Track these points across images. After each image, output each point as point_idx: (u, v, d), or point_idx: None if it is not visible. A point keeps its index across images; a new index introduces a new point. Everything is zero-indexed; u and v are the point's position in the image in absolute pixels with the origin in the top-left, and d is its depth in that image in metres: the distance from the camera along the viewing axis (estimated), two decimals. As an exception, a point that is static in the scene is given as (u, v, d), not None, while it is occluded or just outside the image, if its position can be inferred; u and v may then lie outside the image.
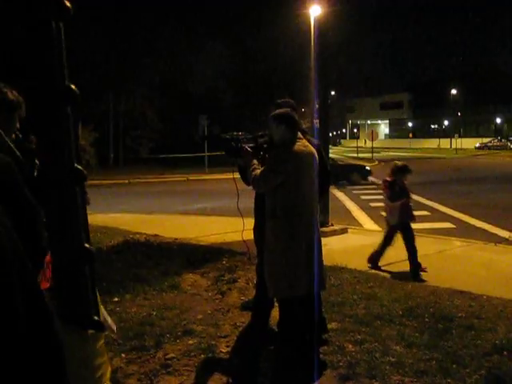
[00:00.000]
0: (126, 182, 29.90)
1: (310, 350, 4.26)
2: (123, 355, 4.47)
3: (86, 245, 1.26)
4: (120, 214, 14.50)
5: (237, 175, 4.91)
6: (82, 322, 1.38)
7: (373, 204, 15.87)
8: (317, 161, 4.35)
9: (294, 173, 4.15)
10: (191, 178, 31.04)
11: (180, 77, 42.83)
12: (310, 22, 14.72)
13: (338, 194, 18.92)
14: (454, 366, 4.18)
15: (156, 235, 10.18)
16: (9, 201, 1.46)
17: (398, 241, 9.48)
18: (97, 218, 12.55)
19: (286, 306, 4.28)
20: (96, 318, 1.39)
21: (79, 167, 1.20)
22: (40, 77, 1.14)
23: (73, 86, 1.16)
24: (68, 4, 1.13)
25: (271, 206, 4.20)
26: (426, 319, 5.21)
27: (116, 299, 5.98)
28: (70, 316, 1.36)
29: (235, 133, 4.68)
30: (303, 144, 4.25)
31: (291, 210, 4.15)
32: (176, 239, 9.80)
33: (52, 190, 1.21)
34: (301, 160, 4.19)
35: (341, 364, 4.27)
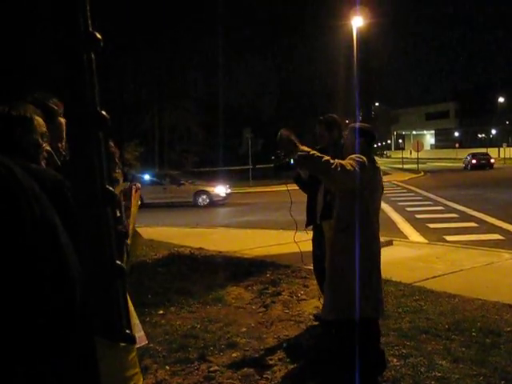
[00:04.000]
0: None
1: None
2: (167, 367, 4.53)
3: (118, 262, 1.32)
4: (165, 227, 14.70)
5: (290, 187, 5.26)
6: (114, 335, 1.43)
7: (418, 216, 15.65)
8: (381, 175, 4.45)
9: (371, 185, 4.19)
10: (235, 192, 31.19)
11: (223, 90, 43.31)
12: (352, 33, 14.74)
13: (382, 205, 18.68)
14: (503, 382, 4.07)
15: (200, 248, 10.27)
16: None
17: (446, 254, 9.35)
18: (143, 231, 12.77)
19: (343, 328, 4.27)
20: (128, 331, 1.43)
21: (110, 188, 1.25)
22: (73, 105, 1.21)
23: (104, 113, 1.23)
24: (99, 36, 1.20)
25: (346, 217, 4.16)
26: (473, 334, 5.09)
27: (161, 312, 6.07)
28: (102, 329, 1.42)
29: (277, 151, 4.77)
30: (372, 158, 4.33)
31: (366, 223, 4.14)
32: (220, 252, 9.88)
33: (84, 210, 1.28)
34: (374, 173, 4.26)
35: (385, 378, 4.21)
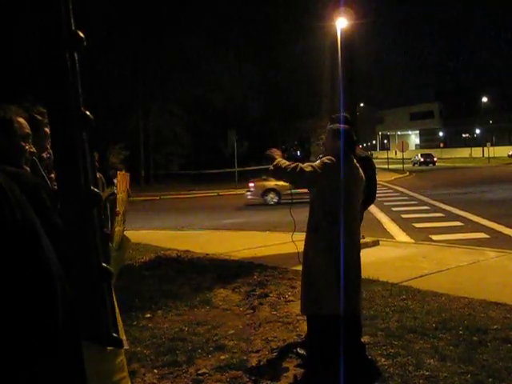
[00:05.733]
0: (157, 198, 30.24)
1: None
2: (156, 371, 4.50)
3: (104, 264, 1.30)
4: (151, 231, 14.65)
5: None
6: (101, 338, 1.41)
7: (404, 215, 15.74)
8: (362, 175, 4.47)
9: (347, 186, 4.24)
10: (221, 193, 31.18)
11: (208, 92, 43.24)
12: (336, 34, 14.79)
13: (368, 206, 18.72)
14: (490, 379, 4.09)
15: (187, 251, 10.24)
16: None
17: (432, 253, 9.39)
18: (129, 234, 12.69)
19: (314, 323, 4.35)
20: (115, 334, 1.42)
21: (96, 190, 1.24)
22: (55, 105, 1.19)
23: (87, 113, 1.22)
24: (81, 35, 1.18)
25: (316, 218, 4.29)
26: (460, 332, 5.12)
27: (148, 315, 6.04)
28: (88, 333, 1.40)
29: (283, 146, 5.00)
30: (352, 159, 4.40)
31: (339, 224, 4.20)
32: (207, 255, 9.85)
33: (69, 212, 1.27)
34: (352, 173, 4.31)
35: (374, 378, 4.21)
